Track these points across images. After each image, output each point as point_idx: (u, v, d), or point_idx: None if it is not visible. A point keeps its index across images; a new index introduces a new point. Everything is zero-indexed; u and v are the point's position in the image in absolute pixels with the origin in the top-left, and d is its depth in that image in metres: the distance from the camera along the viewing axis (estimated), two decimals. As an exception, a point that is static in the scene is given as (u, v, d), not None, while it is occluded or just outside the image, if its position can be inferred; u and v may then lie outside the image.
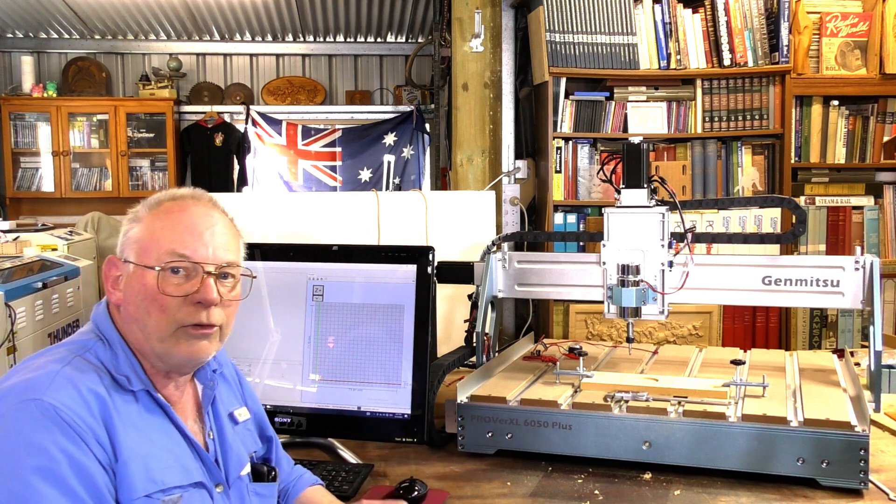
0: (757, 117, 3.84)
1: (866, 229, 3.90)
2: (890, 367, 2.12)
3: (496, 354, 2.22)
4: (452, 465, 1.76)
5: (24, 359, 1.18)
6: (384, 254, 1.82)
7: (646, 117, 3.86)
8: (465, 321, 2.22)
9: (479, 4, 4.15)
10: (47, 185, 6.88)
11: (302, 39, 7.30)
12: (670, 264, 2.03)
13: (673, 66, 3.81)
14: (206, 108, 7.08)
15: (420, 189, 6.53)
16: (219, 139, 6.97)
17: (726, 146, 3.89)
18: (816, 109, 3.93)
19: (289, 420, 1.78)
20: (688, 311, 3.63)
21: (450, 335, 2.65)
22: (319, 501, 1.46)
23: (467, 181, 4.21)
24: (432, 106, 6.62)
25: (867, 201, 3.92)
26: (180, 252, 1.18)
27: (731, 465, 1.63)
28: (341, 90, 7.46)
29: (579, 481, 1.66)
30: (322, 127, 7.11)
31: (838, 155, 3.94)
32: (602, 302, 2.10)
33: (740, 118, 3.85)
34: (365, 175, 7.06)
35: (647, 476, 1.68)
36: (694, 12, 3.83)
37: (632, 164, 2.05)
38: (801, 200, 3.87)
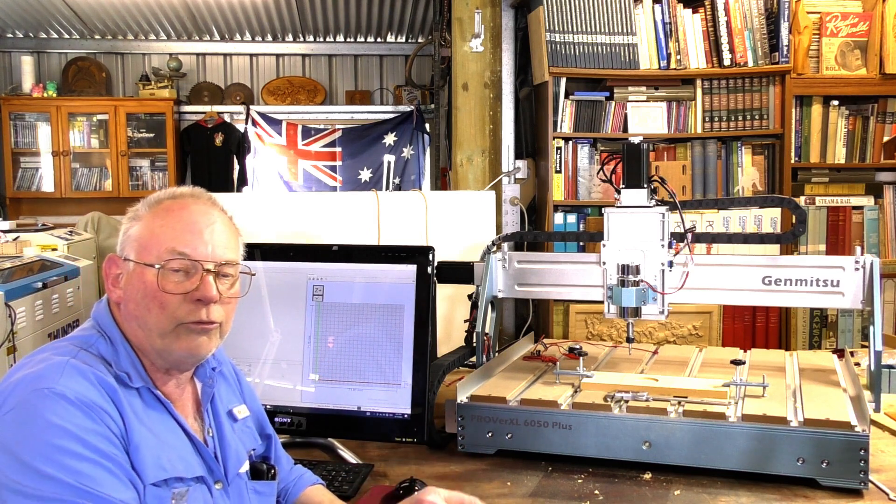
0: (757, 117, 3.84)
1: (866, 229, 3.90)
2: (890, 367, 2.12)
3: (496, 354, 2.22)
4: (452, 465, 1.76)
5: (25, 356, 1.19)
6: (384, 254, 1.82)
7: (646, 117, 3.86)
8: (465, 321, 2.22)
9: (479, 4, 4.15)
10: (47, 185, 6.88)
11: (302, 39, 7.30)
12: (670, 264, 2.03)
13: (673, 66, 3.81)
14: (206, 108, 7.08)
15: (420, 189, 6.53)
16: (219, 139, 6.97)
17: (726, 146, 3.89)
18: (816, 109, 3.93)
19: (289, 420, 1.78)
20: (688, 311, 3.63)
21: (450, 335, 2.65)
22: (320, 501, 1.46)
23: (467, 181, 4.21)
24: (432, 106, 6.62)
25: (867, 201, 3.92)
26: (180, 250, 1.19)
27: (731, 465, 1.63)
28: (341, 90, 7.46)
29: (579, 481, 1.66)
30: (322, 127, 7.11)
31: (838, 155, 3.94)
32: (602, 302, 2.10)
33: (740, 118, 3.85)
34: (365, 175, 7.06)
35: (647, 476, 1.68)
36: (694, 12, 3.83)
37: (632, 164, 2.05)
38: (801, 200, 3.87)
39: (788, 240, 2.10)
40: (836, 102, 3.92)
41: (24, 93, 6.82)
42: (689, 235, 2.02)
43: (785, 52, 3.77)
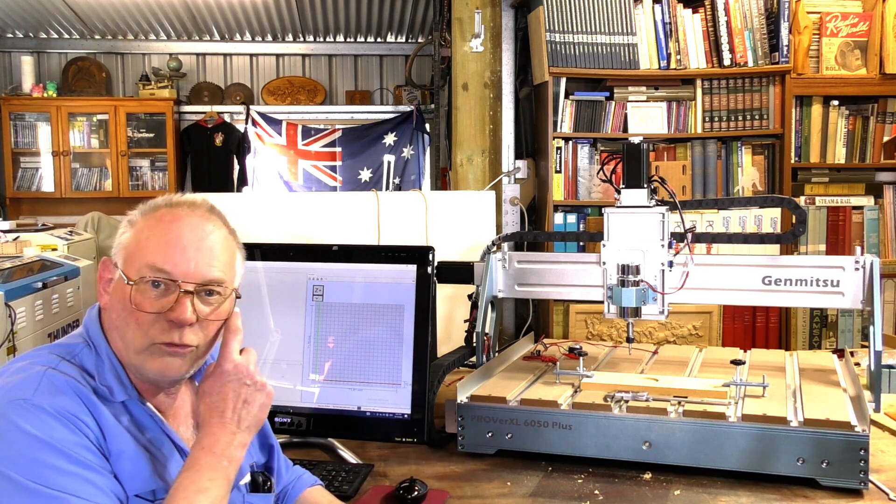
0: (757, 117, 3.84)
1: (866, 229, 3.90)
2: (890, 367, 2.12)
3: (496, 354, 2.22)
4: (452, 465, 1.76)
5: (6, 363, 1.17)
6: (384, 254, 1.82)
7: (646, 117, 3.86)
8: (465, 321, 2.22)
9: (479, 4, 4.15)
10: (47, 185, 6.88)
11: (302, 39, 7.30)
12: (670, 264, 2.03)
13: (673, 66, 3.81)
14: (206, 108, 7.08)
15: (420, 189, 6.52)
16: (219, 139, 6.97)
17: (726, 146, 3.89)
18: (816, 109, 3.93)
19: (289, 420, 1.78)
20: (688, 311, 3.63)
21: (450, 335, 2.65)
22: (319, 502, 1.46)
23: (467, 181, 4.21)
24: (432, 106, 6.62)
25: (867, 201, 3.92)
26: (159, 266, 1.14)
27: (731, 465, 1.63)
28: (341, 90, 7.46)
29: (579, 481, 1.66)
30: (322, 127, 7.11)
31: (838, 155, 3.94)
32: (602, 302, 2.10)
33: (740, 118, 3.85)
34: (365, 175, 7.06)
35: (647, 476, 1.68)
36: (694, 12, 3.83)
37: (632, 164, 2.05)
38: (801, 200, 3.87)
39: (788, 240, 2.10)
40: (836, 102, 3.92)
41: (24, 93, 6.82)
42: (689, 235, 2.02)
43: (785, 52, 3.77)
